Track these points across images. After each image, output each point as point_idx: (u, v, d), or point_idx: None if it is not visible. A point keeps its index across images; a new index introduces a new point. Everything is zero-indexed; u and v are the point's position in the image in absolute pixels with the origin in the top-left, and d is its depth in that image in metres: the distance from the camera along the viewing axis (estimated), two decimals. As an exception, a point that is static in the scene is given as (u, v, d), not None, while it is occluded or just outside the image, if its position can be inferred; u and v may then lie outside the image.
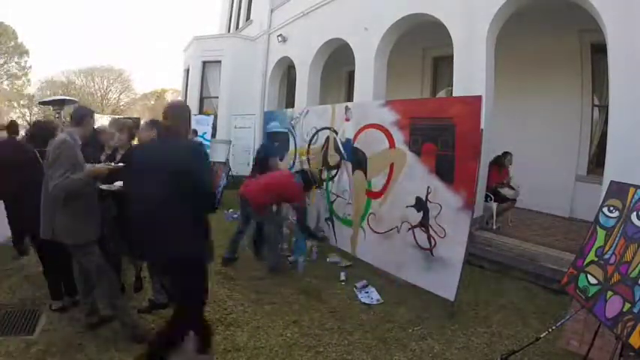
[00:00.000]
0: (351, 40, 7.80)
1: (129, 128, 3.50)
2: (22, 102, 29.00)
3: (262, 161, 5.10)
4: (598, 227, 2.61)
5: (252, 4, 12.82)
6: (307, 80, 9.23)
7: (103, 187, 3.01)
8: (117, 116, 19.54)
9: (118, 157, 3.48)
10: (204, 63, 11.76)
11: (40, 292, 3.43)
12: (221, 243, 5.28)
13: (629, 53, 3.86)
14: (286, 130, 6.05)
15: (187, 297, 2.28)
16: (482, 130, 3.27)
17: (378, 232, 4.21)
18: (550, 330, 2.72)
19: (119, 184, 3.10)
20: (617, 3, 4.04)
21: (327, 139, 5.09)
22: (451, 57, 5.77)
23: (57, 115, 11.83)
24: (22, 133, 6.60)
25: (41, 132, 3.48)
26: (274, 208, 4.62)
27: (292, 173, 4.74)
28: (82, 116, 2.81)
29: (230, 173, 8.70)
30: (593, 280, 2.46)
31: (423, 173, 3.68)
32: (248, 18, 12.99)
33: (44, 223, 2.68)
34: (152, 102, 34.99)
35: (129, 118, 16.98)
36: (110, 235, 3.44)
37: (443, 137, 3.50)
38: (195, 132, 9.29)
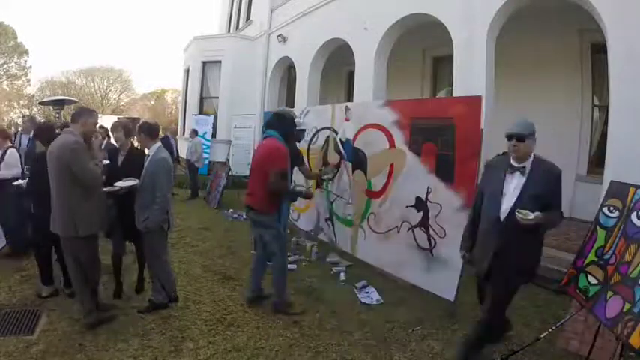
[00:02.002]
0: (351, 40, 7.80)
1: (125, 128, 3.48)
2: (21, 102, 29.00)
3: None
4: (598, 227, 2.61)
5: (252, 4, 12.82)
6: (307, 80, 9.23)
7: (105, 189, 3.05)
8: (119, 116, 19.59)
9: (121, 158, 3.48)
10: (204, 63, 11.78)
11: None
12: (221, 243, 5.32)
13: (629, 53, 3.86)
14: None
15: None
16: (482, 130, 3.27)
17: (378, 232, 4.21)
18: (550, 330, 2.72)
19: (124, 184, 3.12)
20: (617, 3, 4.04)
21: (327, 139, 5.08)
22: (451, 57, 5.77)
23: (57, 115, 11.84)
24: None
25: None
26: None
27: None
28: (78, 114, 2.92)
29: (230, 173, 8.70)
30: (593, 280, 2.46)
31: (423, 173, 3.68)
32: (248, 18, 13.00)
33: (65, 220, 2.78)
34: (152, 102, 34.97)
35: (129, 118, 17.02)
36: (111, 234, 3.49)
37: (443, 137, 3.50)
38: (195, 132, 9.32)
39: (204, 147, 10.66)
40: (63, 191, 2.76)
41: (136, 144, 3.67)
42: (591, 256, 2.56)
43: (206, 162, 10.51)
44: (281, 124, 3.38)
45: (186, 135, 9.47)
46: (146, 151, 3.26)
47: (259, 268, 3.57)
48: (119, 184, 3.14)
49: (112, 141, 4.42)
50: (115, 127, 3.54)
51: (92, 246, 2.95)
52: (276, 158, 3.20)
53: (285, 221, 3.54)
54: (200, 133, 10.72)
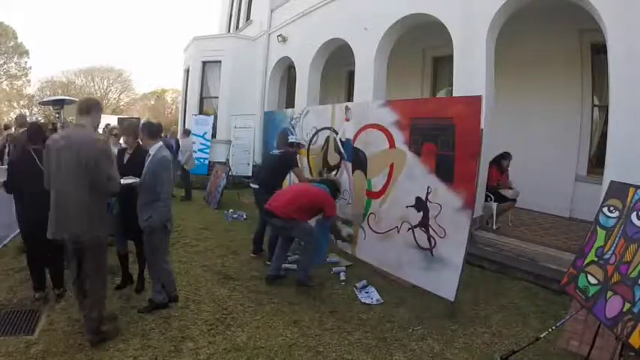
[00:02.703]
0: (351, 40, 7.80)
1: (134, 128, 3.52)
2: (21, 102, 28.99)
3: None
4: (598, 227, 2.61)
5: (252, 4, 12.82)
6: (307, 80, 9.23)
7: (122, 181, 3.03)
8: (123, 116, 19.57)
9: (127, 156, 3.50)
10: (204, 63, 11.76)
11: (40, 293, 3.43)
12: (221, 243, 5.32)
13: (629, 53, 3.86)
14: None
15: None
16: (482, 130, 3.27)
17: (378, 232, 4.21)
18: (550, 330, 2.72)
19: (124, 181, 3.11)
20: (617, 3, 4.04)
21: (327, 139, 5.08)
22: (451, 57, 5.77)
23: (57, 115, 11.83)
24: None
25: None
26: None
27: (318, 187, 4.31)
28: (92, 106, 2.78)
29: (230, 173, 8.70)
30: (593, 280, 2.46)
31: (423, 173, 3.68)
32: (248, 18, 12.99)
33: (86, 222, 2.60)
34: (152, 102, 34.96)
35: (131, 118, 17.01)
36: (113, 232, 3.52)
37: (443, 137, 3.50)
38: (187, 132, 9.25)
39: (204, 147, 10.67)
40: (81, 191, 2.57)
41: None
42: (591, 256, 2.56)
43: (206, 162, 10.51)
44: (330, 187, 4.25)
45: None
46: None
47: (282, 252, 4.13)
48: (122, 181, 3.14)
49: (120, 141, 4.46)
50: (125, 128, 3.70)
51: (104, 248, 2.83)
52: (333, 205, 4.09)
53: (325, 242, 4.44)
54: (200, 133, 10.71)
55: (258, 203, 4.75)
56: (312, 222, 4.42)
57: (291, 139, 4.99)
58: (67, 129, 2.88)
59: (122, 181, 3.11)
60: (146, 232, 3.15)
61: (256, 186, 4.89)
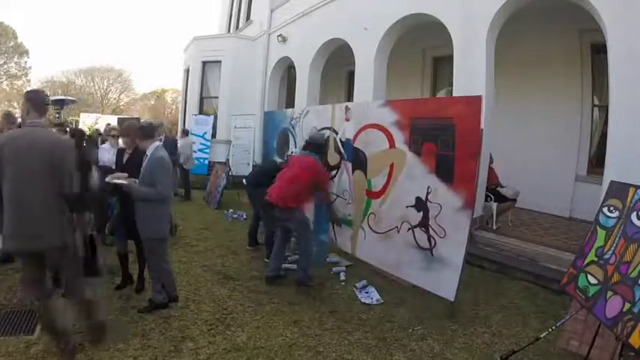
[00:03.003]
0: (351, 40, 7.80)
1: (133, 129, 3.53)
2: (22, 102, 28.99)
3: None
4: (598, 227, 2.61)
5: (252, 4, 12.82)
6: (307, 80, 9.22)
7: (117, 181, 3.02)
8: (123, 116, 19.57)
9: (126, 157, 3.51)
10: (204, 63, 11.76)
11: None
12: (221, 243, 5.32)
13: (629, 53, 3.86)
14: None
15: None
16: (482, 130, 3.27)
17: (378, 232, 4.21)
18: (550, 330, 2.72)
19: (119, 180, 3.11)
20: (617, 3, 4.04)
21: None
22: (451, 57, 5.77)
23: (57, 115, 11.84)
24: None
25: None
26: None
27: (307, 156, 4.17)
28: (47, 103, 2.76)
29: (230, 173, 8.69)
30: (593, 280, 2.46)
31: (423, 173, 3.68)
32: (248, 18, 12.99)
33: (58, 229, 2.39)
34: (152, 102, 34.97)
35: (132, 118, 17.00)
36: (113, 231, 3.53)
37: (443, 137, 3.50)
38: (185, 132, 9.25)
39: (204, 147, 10.67)
40: (46, 193, 2.35)
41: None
42: (591, 256, 2.56)
43: (206, 162, 10.51)
44: (315, 150, 4.17)
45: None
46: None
47: (280, 250, 4.15)
48: (116, 180, 3.13)
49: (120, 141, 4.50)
50: (124, 129, 3.67)
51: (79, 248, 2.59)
52: (322, 172, 4.10)
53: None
54: (200, 133, 10.72)
55: (250, 199, 4.88)
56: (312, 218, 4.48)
57: (296, 152, 5.12)
58: (23, 128, 2.60)
59: (114, 181, 3.10)
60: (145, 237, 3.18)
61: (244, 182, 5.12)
